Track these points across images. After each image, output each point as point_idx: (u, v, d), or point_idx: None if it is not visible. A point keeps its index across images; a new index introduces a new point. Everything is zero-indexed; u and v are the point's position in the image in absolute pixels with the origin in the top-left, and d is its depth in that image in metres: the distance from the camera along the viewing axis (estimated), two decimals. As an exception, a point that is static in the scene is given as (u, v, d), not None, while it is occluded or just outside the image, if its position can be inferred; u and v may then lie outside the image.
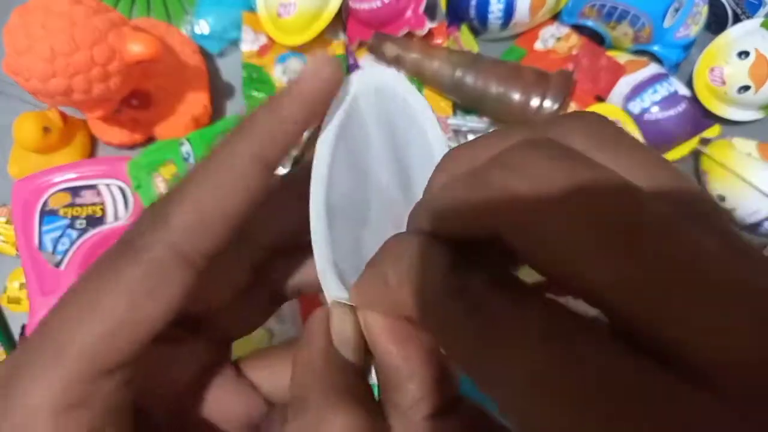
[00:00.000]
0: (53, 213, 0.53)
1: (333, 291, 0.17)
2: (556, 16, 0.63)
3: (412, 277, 0.13)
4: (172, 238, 0.14)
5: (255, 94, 0.61)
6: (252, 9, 0.63)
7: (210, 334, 0.20)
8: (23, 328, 0.55)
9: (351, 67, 0.63)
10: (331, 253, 0.17)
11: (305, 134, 0.17)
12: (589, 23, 0.61)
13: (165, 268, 0.14)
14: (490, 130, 0.15)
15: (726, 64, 0.57)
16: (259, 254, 0.20)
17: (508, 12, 0.59)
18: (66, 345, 0.13)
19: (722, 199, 0.57)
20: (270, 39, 0.62)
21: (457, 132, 0.57)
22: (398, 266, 0.14)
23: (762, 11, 0.61)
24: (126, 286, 0.14)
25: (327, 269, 0.17)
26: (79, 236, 0.53)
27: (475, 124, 0.58)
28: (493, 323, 0.11)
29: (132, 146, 0.62)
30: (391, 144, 0.19)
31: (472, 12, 0.60)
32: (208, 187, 0.15)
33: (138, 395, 0.16)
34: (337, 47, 0.62)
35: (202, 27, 0.63)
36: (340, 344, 0.16)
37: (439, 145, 0.19)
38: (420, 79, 0.59)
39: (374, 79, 0.19)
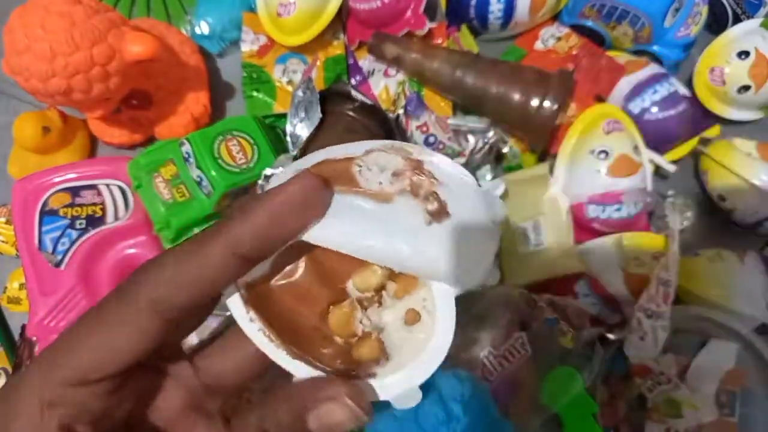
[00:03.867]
0: (53, 213, 0.53)
1: None
2: (556, 17, 0.63)
3: None
4: (152, 295, 0.18)
5: (255, 94, 0.61)
6: (252, 9, 0.63)
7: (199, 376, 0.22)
8: (23, 328, 0.55)
9: (351, 67, 0.63)
10: None
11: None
12: (589, 23, 0.61)
13: (140, 317, 0.18)
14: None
15: (726, 64, 0.57)
16: None
17: (508, 12, 0.58)
18: (59, 358, 0.18)
19: (722, 199, 0.57)
20: (270, 39, 0.62)
21: (456, 132, 0.57)
22: None
23: (762, 11, 0.61)
24: (109, 326, 0.18)
25: None
26: (79, 236, 0.53)
27: (474, 124, 0.58)
28: None
29: (132, 146, 0.62)
30: None
31: (472, 12, 0.60)
32: (186, 265, 0.18)
33: (127, 417, 0.20)
34: (337, 47, 0.62)
35: (202, 27, 0.63)
36: None
37: None
38: (420, 79, 0.59)
39: None
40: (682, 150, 0.59)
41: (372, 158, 0.21)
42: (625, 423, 0.49)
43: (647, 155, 0.55)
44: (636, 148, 0.54)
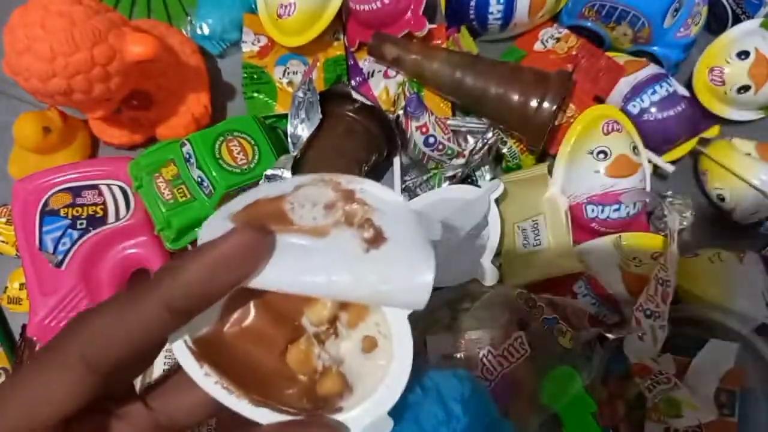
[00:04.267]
0: (54, 213, 0.53)
1: None
2: (555, 17, 0.63)
3: None
4: (82, 352, 0.18)
5: (256, 95, 0.61)
6: (253, 10, 0.63)
7: (156, 414, 0.22)
8: (23, 328, 0.55)
9: (351, 68, 0.63)
10: None
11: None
12: (589, 24, 0.61)
13: (71, 373, 0.18)
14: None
15: (726, 64, 0.57)
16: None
17: (508, 13, 0.59)
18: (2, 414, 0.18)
19: (722, 199, 0.57)
20: (270, 40, 0.62)
21: (456, 132, 0.58)
22: None
23: (762, 11, 0.61)
24: (41, 381, 0.18)
25: None
26: (80, 236, 0.53)
27: (474, 124, 0.58)
28: None
29: (132, 147, 0.62)
30: None
31: (472, 13, 0.60)
32: (118, 321, 0.19)
33: None
34: (337, 48, 0.63)
35: (203, 28, 0.63)
36: None
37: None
38: (420, 80, 0.59)
39: None
40: (682, 150, 0.59)
41: (303, 194, 0.21)
42: (624, 422, 0.49)
43: (646, 155, 0.55)
44: (635, 148, 0.54)
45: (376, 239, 0.20)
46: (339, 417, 0.21)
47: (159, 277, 0.19)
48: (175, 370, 0.22)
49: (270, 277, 0.20)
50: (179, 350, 0.21)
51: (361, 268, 0.20)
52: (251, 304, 0.21)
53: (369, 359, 0.21)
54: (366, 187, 0.21)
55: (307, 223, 0.20)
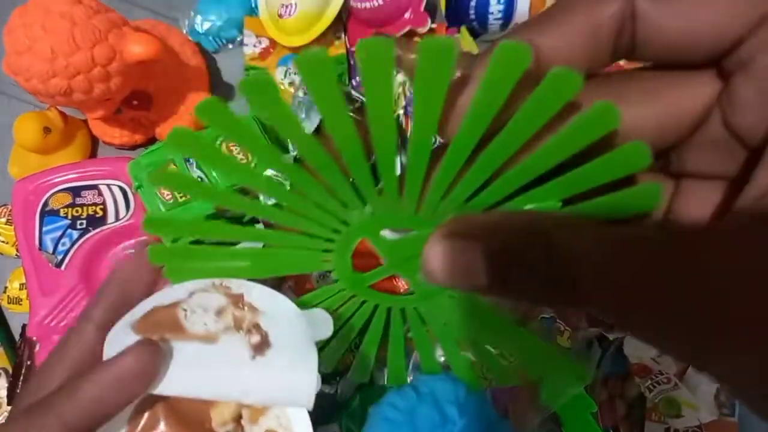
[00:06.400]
0: (54, 213, 0.53)
1: None
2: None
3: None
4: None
5: (257, 95, 0.61)
6: (253, 11, 0.63)
7: None
8: (24, 328, 0.55)
9: (351, 68, 0.63)
10: None
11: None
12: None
13: None
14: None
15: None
16: None
17: (508, 13, 0.59)
18: None
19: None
20: (272, 42, 0.62)
21: (456, 132, 0.57)
22: None
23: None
24: None
25: None
26: (80, 236, 0.53)
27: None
28: None
29: (133, 147, 0.62)
30: None
31: (472, 13, 0.60)
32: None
33: None
34: (339, 47, 0.63)
35: (201, 24, 0.63)
36: None
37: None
38: (420, 79, 0.59)
39: None
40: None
41: (196, 300, 0.22)
42: (624, 422, 0.49)
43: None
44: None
45: (262, 345, 0.21)
46: None
47: (56, 396, 0.19)
48: None
49: (166, 385, 0.21)
50: None
51: (248, 375, 0.21)
52: (159, 412, 0.22)
53: None
54: (255, 292, 0.22)
55: (199, 329, 0.22)
